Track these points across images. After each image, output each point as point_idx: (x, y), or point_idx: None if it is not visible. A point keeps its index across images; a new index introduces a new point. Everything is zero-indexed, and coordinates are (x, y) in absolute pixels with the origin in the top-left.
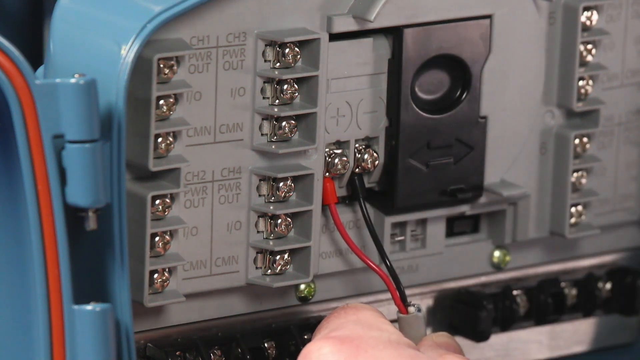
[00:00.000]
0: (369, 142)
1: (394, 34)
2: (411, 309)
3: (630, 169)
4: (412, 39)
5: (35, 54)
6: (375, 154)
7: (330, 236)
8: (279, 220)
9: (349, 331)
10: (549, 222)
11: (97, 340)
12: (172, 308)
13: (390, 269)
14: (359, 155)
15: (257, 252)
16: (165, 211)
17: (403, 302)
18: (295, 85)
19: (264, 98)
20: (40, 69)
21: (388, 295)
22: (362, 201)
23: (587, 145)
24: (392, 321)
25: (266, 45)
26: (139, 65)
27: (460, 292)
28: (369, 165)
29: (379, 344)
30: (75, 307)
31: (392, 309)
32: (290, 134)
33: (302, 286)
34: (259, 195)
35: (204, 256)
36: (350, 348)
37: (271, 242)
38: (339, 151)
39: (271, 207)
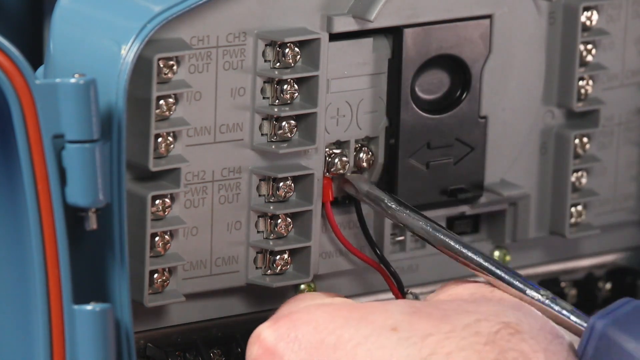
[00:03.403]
0: (368, 142)
1: (394, 34)
2: (409, 297)
3: (630, 169)
4: (412, 39)
5: (35, 54)
6: (370, 153)
7: (331, 236)
8: (279, 220)
9: (281, 312)
10: (549, 222)
11: (97, 340)
12: (172, 308)
13: (382, 259)
14: (355, 154)
15: (257, 252)
16: (165, 211)
17: (400, 291)
18: (295, 85)
19: (264, 98)
20: (40, 69)
21: (388, 295)
22: (356, 200)
23: (587, 145)
24: None
25: (266, 45)
26: (139, 65)
27: None
28: (365, 164)
29: (310, 308)
30: (75, 307)
31: None
32: (290, 134)
33: (302, 286)
34: (259, 195)
35: (204, 256)
36: (286, 322)
37: (271, 242)
38: (338, 151)
39: (271, 207)
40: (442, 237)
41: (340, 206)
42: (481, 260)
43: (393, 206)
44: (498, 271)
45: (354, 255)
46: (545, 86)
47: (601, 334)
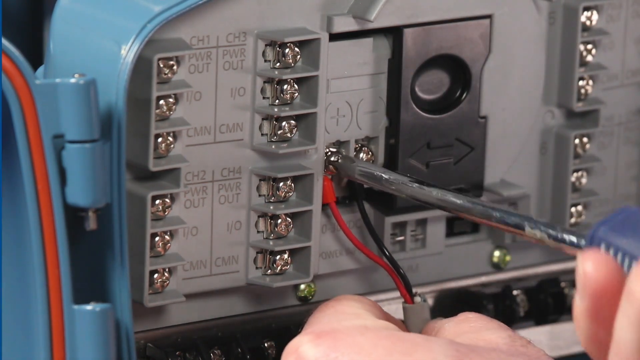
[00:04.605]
0: (368, 142)
1: (394, 34)
2: (417, 299)
3: (630, 169)
4: (412, 39)
5: (35, 54)
6: (370, 153)
7: (331, 236)
8: (279, 220)
9: (324, 324)
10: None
11: (97, 340)
12: (172, 308)
13: (391, 260)
14: (355, 154)
15: (257, 252)
16: (165, 211)
17: (408, 292)
18: (295, 85)
19: (264, 98)
20: (40, 69)
21: (389, 295)
22: (359, 199)
23: (587, 145)
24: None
25: (266, 45)
26: (139, 65)
27: (460, 292)
28: None
29: (354, 331)
30: (75, 307)
31: (392, 309)
32: (290, 134)
33: (302, 286)
34: (259, 195)
35: (204, 256)
36: (328, 340)
37: (271, 242)
38: (335, 150)
39: (271, 207)
40: (453, 199)
41: (341, 206)
42: (486, 210)
43: (389, 177)
44: (496, 214)
45: (365, 254)
46: (545, 86)
47: (600, 239)
